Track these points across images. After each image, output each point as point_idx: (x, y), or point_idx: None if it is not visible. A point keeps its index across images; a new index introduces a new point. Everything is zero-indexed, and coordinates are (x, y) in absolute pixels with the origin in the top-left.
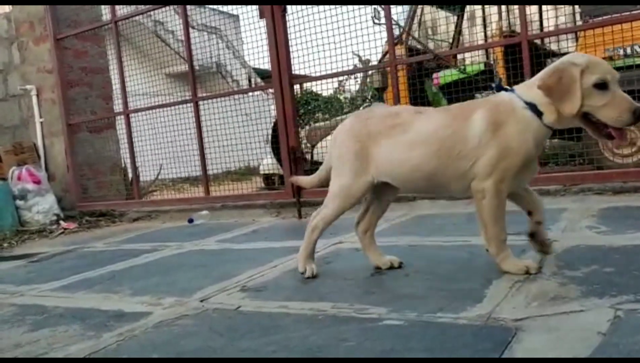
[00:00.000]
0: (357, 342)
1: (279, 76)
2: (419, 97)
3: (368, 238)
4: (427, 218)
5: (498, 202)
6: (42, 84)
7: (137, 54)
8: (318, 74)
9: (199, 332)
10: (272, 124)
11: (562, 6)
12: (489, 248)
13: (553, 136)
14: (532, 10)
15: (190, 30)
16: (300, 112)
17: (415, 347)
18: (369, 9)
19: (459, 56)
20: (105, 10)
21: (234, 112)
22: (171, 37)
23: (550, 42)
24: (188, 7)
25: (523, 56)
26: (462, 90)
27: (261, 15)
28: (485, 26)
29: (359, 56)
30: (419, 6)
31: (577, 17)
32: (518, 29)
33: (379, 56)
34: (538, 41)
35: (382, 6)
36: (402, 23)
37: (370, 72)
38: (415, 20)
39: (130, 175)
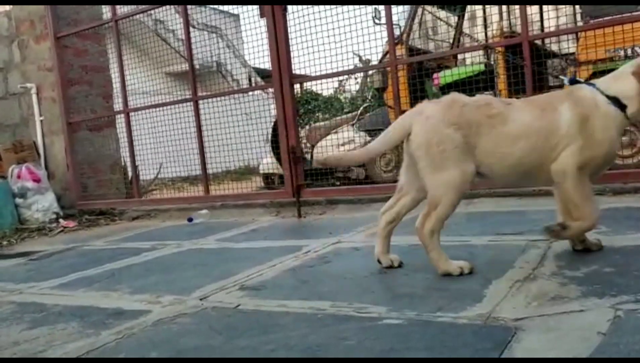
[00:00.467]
0: (357, 341)
1: (279, 75)
2: (419, 97)
3: (387, 231)
4: None
5: (581, 182)
6: (42, 83)
7: (137, 53)
8: (318, 74)
9: (198, 330)
10: (272, 124)
11: (563, 6)
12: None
13: None
14: (532, 10)
15: (191, 29)
16: (300, 112)
17: (415, 346)
18: (369, 8)
19: (459, 57)
20: (105, 9)
21: (234, 112)
22: (172, 36)
23: (550, 43)
24: (188, 6)
25: (524, 56)
26: (462, 90)
27: (262, 15)
28: (486, 27)
29: (359, 55)
30: (420, 6)
31: (578, 17)
32: (519, 29)
33: (380, 56)
34: (539, 42)
35: (383, 6)
36: (402, 23)
37: (370, 72)
38: (416, 21)
39: (130, 174)
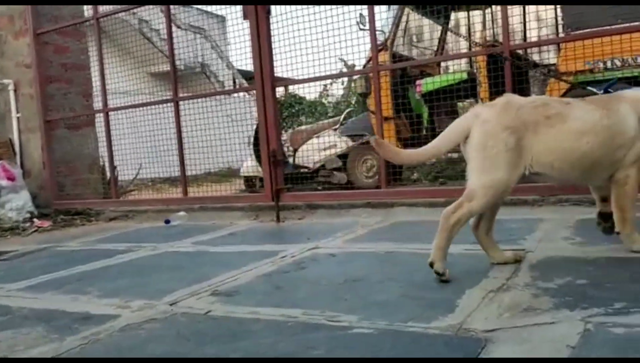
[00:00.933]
0: (326, 350)
1: (261, 77)
2: (402, 104)
3: (490, 238)
4: (405, 224)
5: (636, 187)
6: (21, 79)
7: (120, 52)
8: (301, 78)
9: (166, 336)
10: (255, 127)
11: (545, 17)
12: (624, 229)
13: None
14: (514, 21)
15: (176, 29)
16: (283, 115)
17: (385, 356)
18: (355, 14)
19: (442, 65)
20: (87, 7)
21: (217, 114)
22: (156, 35)
23: (532, 53)
24: (173, 6)
25: (505, 65)
26: (444, 98)
27: (245, 16)
28: (469, 35)
29: (344, 61)
30: (404, 13)
31: (560, 29)
32: (501, 39)
33: (364, 61)
34: (521, 52)
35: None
36: (387, 30)
37: (354, 77)
38: (401, 27)
39: (108, 174)
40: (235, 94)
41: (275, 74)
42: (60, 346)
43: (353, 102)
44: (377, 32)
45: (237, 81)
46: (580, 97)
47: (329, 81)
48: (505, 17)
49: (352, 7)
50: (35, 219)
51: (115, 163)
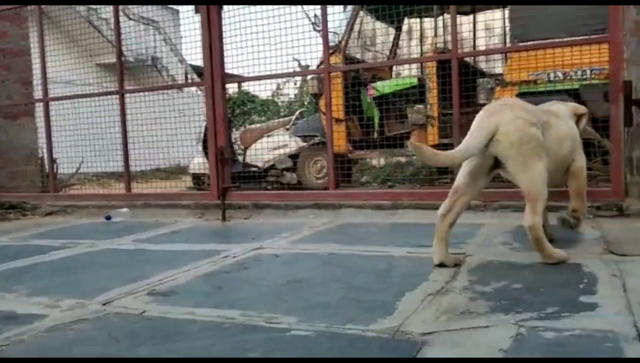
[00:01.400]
0: (262, 353)
1: (211, 73)
2: (354, 106)
3: (447, 233)
4: (351, 226)
5: None
6: None
7: (66, 40)
8: (255, 75)
9: (95, 337)
10: (205, 123)
11: (495, 27)
12: (580, 215)
13: None
14: (463, 29)
15: (126, 20)
16: (235, 113)
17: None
18: (310, 14)
19: (394, 69)
20: None
21: (167, 108)
22: (105, 25)
23: (479, 62)
24: None
25: (452, 72)
26: (394, 102)
27: (196, 10)
28: (421, 41)
29: (298, 61)
30: (358, 16)
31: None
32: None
33: (318, 62)
34: (470, 60)
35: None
36: (341, 32)
37: (308, 77)
38: (355, 30)
39: (47, 166)
40: (187, 90)
41: (227, 71)
42: None
43: (306, 102)
44: (330, 34)
45: (189, 76)
46: None
47: (282, 80)
48: (454, 26)
49: (309, 7)
50: None
51: (55, 156)
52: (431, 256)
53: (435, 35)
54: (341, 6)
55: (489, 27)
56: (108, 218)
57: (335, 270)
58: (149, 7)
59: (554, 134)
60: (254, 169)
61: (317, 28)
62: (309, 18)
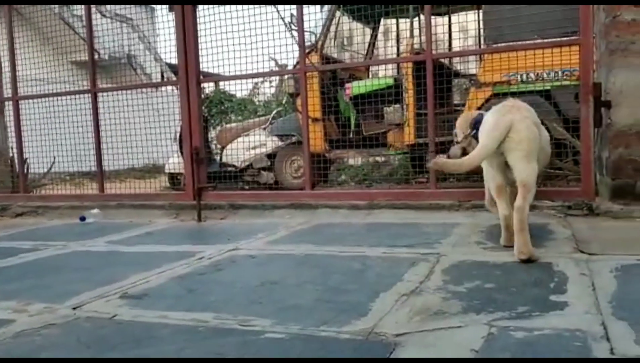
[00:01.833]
0: (235, 356)
1: (186, 72)
2: (331, 106)
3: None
4: (327, 226)
5: None
6: None
7: (38, 37)
8: (230, 75)
9: (64, 342)
10: (181, 122)
11: (470, 28)
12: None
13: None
14: (438, 30)
15: (99, 17)
16: (212, 112)
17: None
18: (286, 13)
19: (371, 69)
20: None
21: (142, 107)
22: (78, 21)
23: (453, 63)
24: None
25: (427, 73)
26: (370, 102)
27: (171, 8)
28: (398, 42)
29: (275, 60)
30: (335, 16)
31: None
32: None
33: (295, 62)
34: (446, 61)
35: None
36: (317, 32)
37: (285, 77)
38: (332, 30)
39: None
40: (163, 88)
41: (204, 70)
42: None
43: (283, 102)
44: (307, 34)
45: (165, 74)
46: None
47: (259, 80)
48: (429, 27)
49: (284, 7)
50: None
51: (26, 155)
52: (406, 256)
53: (411, 36)
54: (318, 6)
55: (463, 28)
56: (82, 218)
57: (311, 271)
58: (125, 5)
59: (543, 134)
60: (231, 168)
61: (293, 28)
62: (284, 21)
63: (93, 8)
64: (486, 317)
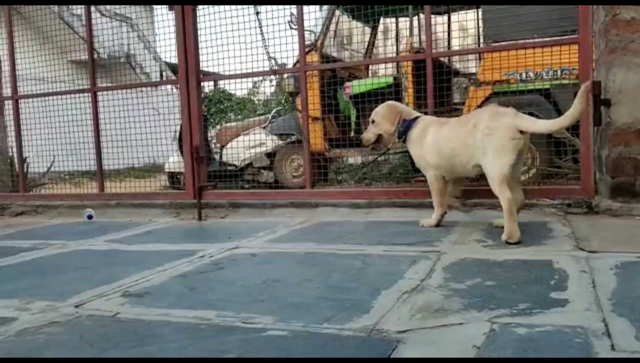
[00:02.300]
0: (238, 354)
1: (186, 71)
2: (332, 105)
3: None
4: (327, 225)
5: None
6: None
7: (38, 36)
8: (230, 74)
9: (67, 341)
10: (181, 121)
11: (469, 28)
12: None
13: None
14: (437, 29)
15: (99, 16)
16: (211, 111)
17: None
18: (287, 12)
19: (371, 68)
20: None
21: (142, 106)
22: (77, 21)
23: (454, 62)
24: None
25: (427, 72)
26: (370, 101)
27: (170, 7)
28: (397, 41)
29: (274, 59)
30: (334, 15)
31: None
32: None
33: (294, 61)
34: (445, 60)
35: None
36: (317, 31)
37: (285, 75)
38: (331, 29)
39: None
40: (163, 87)
41: (203, 69)
42: None
43: (282, 101)
44: (306, 33)
45: (164, 73)
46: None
47: (258, 78)
48: (428, 26)
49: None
50: None
51: (25, 154)
52: (407, 254)
53: (411, 35)
54: (317, 5)
55: (463, 27)
56: (90, 217)
57: (312, 269)
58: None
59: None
60: (231, 167)
61: (293, 26)
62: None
63: (92, 7)
64: (487, 314)
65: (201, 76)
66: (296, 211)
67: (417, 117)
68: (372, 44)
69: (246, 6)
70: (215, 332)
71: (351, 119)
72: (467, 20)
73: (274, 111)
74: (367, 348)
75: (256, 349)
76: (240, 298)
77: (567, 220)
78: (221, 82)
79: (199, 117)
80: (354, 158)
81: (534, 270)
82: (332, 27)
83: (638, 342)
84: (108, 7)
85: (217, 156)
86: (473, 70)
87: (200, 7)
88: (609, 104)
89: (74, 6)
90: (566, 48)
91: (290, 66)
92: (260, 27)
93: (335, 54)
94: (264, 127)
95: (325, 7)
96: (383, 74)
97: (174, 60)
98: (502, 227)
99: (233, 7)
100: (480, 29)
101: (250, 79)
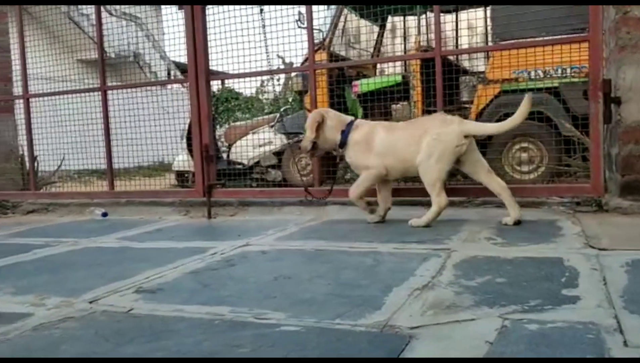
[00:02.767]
0: (252, 349)
1: (196, 70)
2: (339, 103)
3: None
4: (336, 223)
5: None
6: None
7: (47, 36)
8: (238, 72)
9: (82, 336)
10: (189, 120)
11: (477, 26)
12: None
13: None
14: (447, 28)
15: (107, 16)
16: (219, 110)
17: (310, 354)
18: (294, 11)
19: (378, 67)
20: None
21: (150, 105)
22: (85, 21)
23: (462, 60)
24: None
25: (436, 70)
26: (378, 99)
27: (180, 6)
28: (405, 39)
29: (282, 57)
30: (342, 14)
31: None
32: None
33: (302, 60)
34: (453, 58)
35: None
36: (325, 29)
37: (293, 74)
38: (339, 28)
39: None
40: (170, 86)
41: (211, 68)
42: None
43: (290, 99)
44: (315, 31)
45: (171, 72)
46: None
47: (265, 77)
48: (437, 24)
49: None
50: None
51: (36, 153)
52: (417, 252)
53: (419, 33)
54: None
55: (471, 25)
56: (104, 214)
57: (322, 266)
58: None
59: None
60: (239, 166)
61: (301, 25)
62: (296, 18)
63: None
64: (499, 310)
65: (210, 75)
66: (305, 210)
67: (352, 121)
68: (379, 42)
69: (254, 5)
70: (229, 327)
71: (359, 117)
72: (476, 18)
73: (282, 110)
74: (381, 343)
75: (270, 344)
76: (253, 295)
77: (577, 218)
78: (228, 81)
79: (208, 115)
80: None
81: (544, 267)
82: (340, 25)
83: None
84: (116, 6)
85: (224, 155)
86: (481, 68)
87: (208, 6)
88: (619, 102)
89: (82, 6)
90: (575, 46)
91: (297, 64)
92: (264, 26)
93: (342, 53)
94: (272, 126)
95: (333, 5)
96: (391, 72)
97: (181, 59)
98: (510, 224)
99: (240, 6)
100: (489, 28)
101: (257, 78)
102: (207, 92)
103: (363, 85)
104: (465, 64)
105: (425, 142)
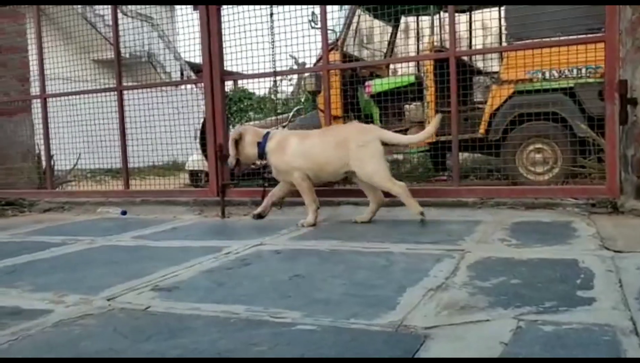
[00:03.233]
0: (268, 347)
1: (210, 71)
2: (352, 104)
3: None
4: (350, 223)
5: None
6: None
7: (62, 36)
8: (252, 73)
9: (101, 332)
10: (202, 120)
11: (491, 26)
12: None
13: (474, 150)
14: (461, 28)
15: (121, 16)
16: (232, 110)
17: (326, 353)
18: (308, 11)
19: (391, 67)
20: None
21: (164, 105)
22: (100, 21)
23: (476, 60)
24: None
25: (450, 71)
26: (392, 100)
27: (195, 7)
28: (418, 39)
29: (295, 58)
30: (355, 14)
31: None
32: (448, 45)
33: (315, 60)
34: (467, 58)
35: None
36: (338, 30)
37: (305, 75)
38: (352, 28)
39: (44, 163)
40: (183, 86)
41: (225, 68)
42: None
43: (303, 99)
44: (328, 32)
45: (185, 72)
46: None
47: (280, 78)
48: (452, 25)
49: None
50: None
51: (52, 152)
52: (431, 253)
53: (433, 33)
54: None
55: (485, 25)
56: (124, 213)
57: (336, 266)
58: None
59: None
60: (252, 166)
61: (315, 25)
62: (309, 18)
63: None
64: (513, 312)
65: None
66: (318, 210)
67: (267, 133)
68: (392, 43)
69: (267, 6)
70: (245, 325)
71: (374, 118)
72: (491, 18)
73: (294, 110)
74: (396, 343)
75: (286, 342)
76: (268, 294)
77: (592, 220)
78: (241, 81)
79: (222, 115)
80: None
81: (559, 269)
82: (353, 26)
83: None
84: (131, 7)
85: None
86: (494, 68)
87: (223, 6)
88: (635, 103)
89: (98, 6)
90: (591, 46)
91: (310, 65)
92: (272, 28)
93: (356, 53)
94: (284, 126)
95: (346, 6)
96: (404, 73)
97: (195, 59)
98: (362, 222)
99: (253, 6)
100: (503, 28)
101: (270, 78)
102: (222, 91)
103: (376, 85)
104: (479, 64)
105: (353, 150)
